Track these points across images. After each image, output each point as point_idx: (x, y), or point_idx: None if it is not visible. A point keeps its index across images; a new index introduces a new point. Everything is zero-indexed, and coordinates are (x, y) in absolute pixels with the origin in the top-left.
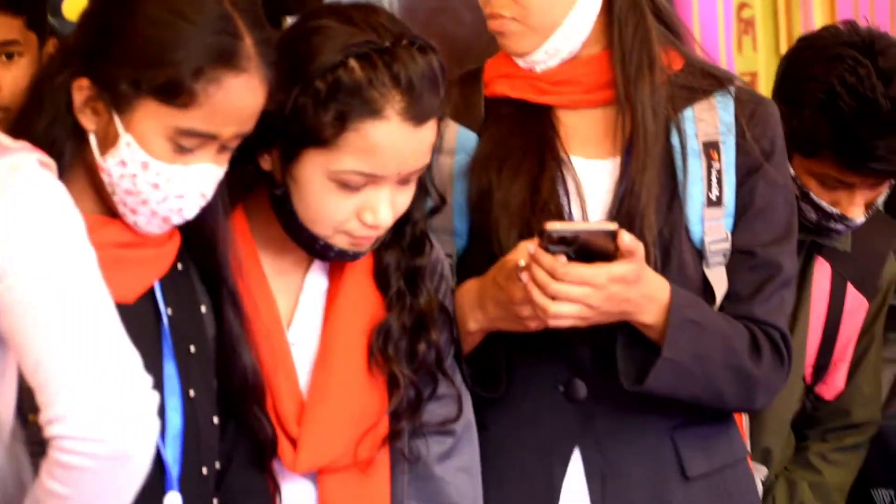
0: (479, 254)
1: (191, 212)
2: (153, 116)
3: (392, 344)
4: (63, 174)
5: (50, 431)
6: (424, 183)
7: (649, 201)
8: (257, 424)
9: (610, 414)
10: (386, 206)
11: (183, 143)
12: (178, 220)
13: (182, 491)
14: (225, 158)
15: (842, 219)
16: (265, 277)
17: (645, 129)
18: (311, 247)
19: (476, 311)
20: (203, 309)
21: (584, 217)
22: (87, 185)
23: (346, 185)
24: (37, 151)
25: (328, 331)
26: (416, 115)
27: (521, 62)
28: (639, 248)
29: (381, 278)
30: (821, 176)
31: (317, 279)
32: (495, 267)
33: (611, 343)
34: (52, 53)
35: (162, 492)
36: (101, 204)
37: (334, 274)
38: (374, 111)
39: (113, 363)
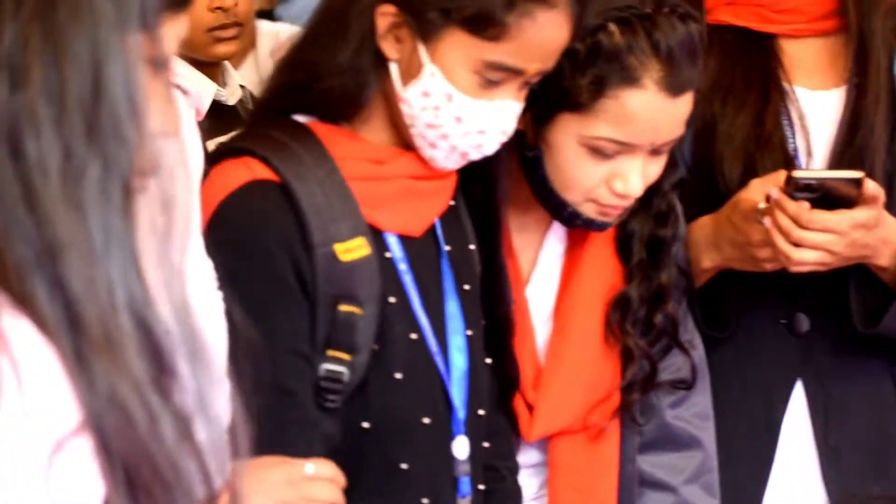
0: (701, 185)
1: (491, 148)
2: (460, 47)
3: (630, 316)
4: (365, 104)
5: None
6: (675, 154)
7: (881, 136)
8: (511, 364)
9: (832, 349)
10: (637, 176)
11: (488, 77)
12: (476, 155)
13: (467, 434)
14: (524, 95)
15: None
16: (510, 232)
17: (878, 60)
18: (559, 212)
19: (711, 250)
20: (471, 246)
21: (808, 150)
22: (384, 115)
23: (598, 152)
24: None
25: (568, 297)
26: (673, 86)
27: None
28: (881, 194)
29: (623, 247)
30: None
31: (556, 240)
32: (729, 205)
33: (833, 277)
34: None
35: (451, 435)
36: (396, 136)
37: (574, 238)
38: (631, 79)
39: None
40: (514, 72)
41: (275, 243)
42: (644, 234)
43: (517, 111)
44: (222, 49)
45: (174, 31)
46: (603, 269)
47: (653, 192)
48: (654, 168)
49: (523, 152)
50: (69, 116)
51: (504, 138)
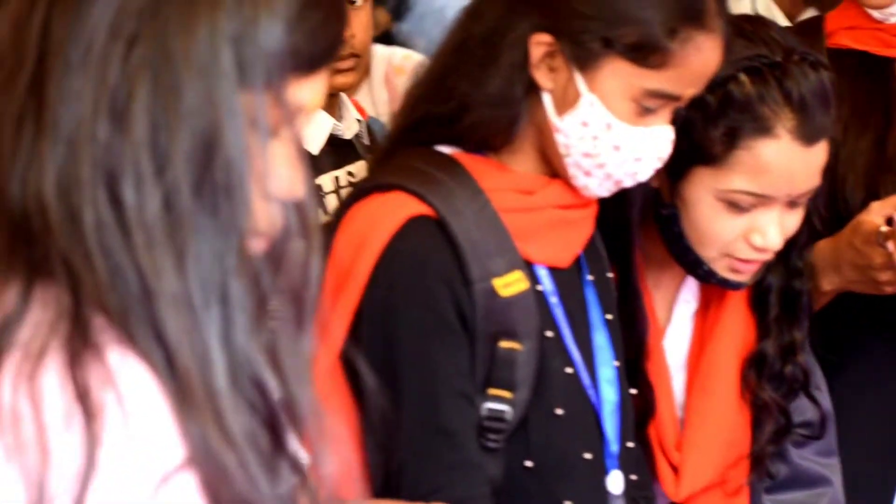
0: (823, 210)
1: (645, 175)
2: (621, 76)
3: (766, 372)
4: (515, 136)
5: None
6: (809, 207)
7: None
8: (648, 391)
9: None
10: (775, 228)
11: (646, 104)
12: (629, 182)
13: (620, 468)
14: (670, 118)
15: None
16: (648, 288)
17: None
18: (695, 270)
19: (831, 273)
20: (609, 274)
21: None
22: (532, 145)
23: (734, 205)
24: None
25: (707, 356)
26: (807, 135)
27: (875, 14)
28: None
29: (758, 301)
30: None
31: (690, 297)
32: (850, 228)
33: None
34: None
35: (605, 470)
36: (543, 164)
37: (708, 294)
38: (764, 129)
39: None
40: (672, 98)
41: (436, 280)
42: (780, 289)
43: (671, 136)
44: (339, 80)
45: (305, 92)
46: (738, 325)
47: (790, 246)
48: (793, 220)
49: (658, 210)
50: (174, 170)
51: (660, 164)
